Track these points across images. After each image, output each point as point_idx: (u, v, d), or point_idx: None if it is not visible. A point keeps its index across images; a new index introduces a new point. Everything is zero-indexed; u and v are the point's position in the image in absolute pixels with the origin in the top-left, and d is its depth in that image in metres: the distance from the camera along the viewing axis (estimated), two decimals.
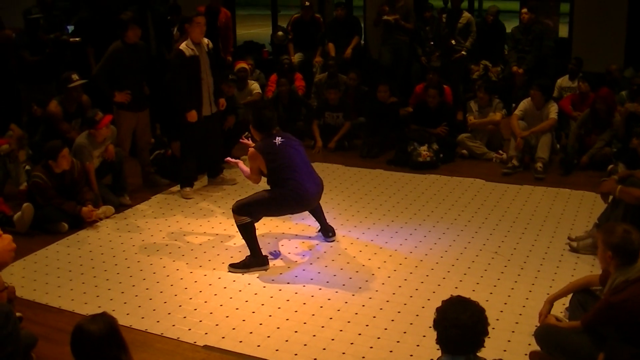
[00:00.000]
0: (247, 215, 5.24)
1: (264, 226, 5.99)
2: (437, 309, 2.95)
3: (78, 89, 7.09)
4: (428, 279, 5.08)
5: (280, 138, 5.39)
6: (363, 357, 4.10)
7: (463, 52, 9.75)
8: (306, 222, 6.13)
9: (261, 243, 5.45)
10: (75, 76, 7.04)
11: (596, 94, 7.70)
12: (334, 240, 5.78)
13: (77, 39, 8.83)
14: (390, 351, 4.15)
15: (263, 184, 5.49)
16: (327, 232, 5.82)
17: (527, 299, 4.73)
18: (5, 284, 3.57)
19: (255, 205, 5.27)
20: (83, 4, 8.94)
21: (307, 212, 5.76)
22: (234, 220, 6.09)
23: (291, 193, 5.23)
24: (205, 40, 6.84)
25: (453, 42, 9.80)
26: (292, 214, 5.68)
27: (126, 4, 9.01)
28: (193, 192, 7.04)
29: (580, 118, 7.80)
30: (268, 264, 5.32)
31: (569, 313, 4.16)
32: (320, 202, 5.73)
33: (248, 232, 5.28)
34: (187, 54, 6.61)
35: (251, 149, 5.41)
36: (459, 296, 3.01)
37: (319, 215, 5.81)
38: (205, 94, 6.80)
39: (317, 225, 5.91)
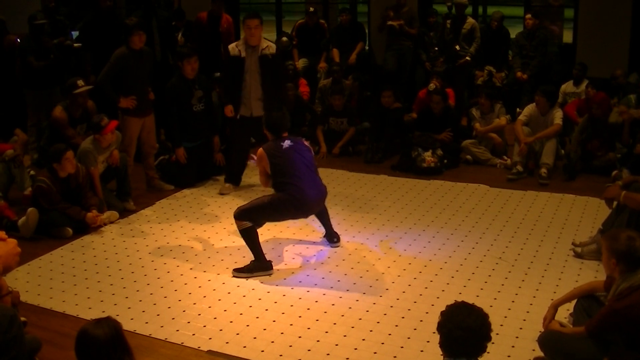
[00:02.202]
0: (247, 220, 5.23)
1: (268, 231, 6.00)
2: (442, 313, 2.98)
3: (84, 95, 7.11)
4: (432, 284, 5.08)
5: (289, 142, 5.41)
6: None
7: (467, 58, 9.76)
8: (310, 228, 6.13)
9: (265, 248, 5.47)
10: (80, 82, 7.06)
11: (592, 100, 7.72)
12: (338, 246, 5.79)
13: (79, 44, 8.87)
14: (394, 357, 4.14)
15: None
16: (332, 238, 5.82)
17: (531, 304, 4.72)
18: (10, 288, 3.58)
19: (255, 210, 5.27)
20: (89, 9, 8.96)
21: (312, 217, 5.76)
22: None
23: (290, 197, 5.22)
24: (265, 43, 6.87)
25: (457, 47, 9.81)
26: (293, 219, 5.65)
27: (130, 10, 9.05)
28: (228, 189, 7.17)
29: (580, 124, 7.80)
30: (272, 268, 5.32)
31: (573, 319, 4.15)
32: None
33: (250, 237, 5.28)
34: (232, 53, 6.79)
35: (259, 150, 5.44)
36: (463, 301, 3.04)
37: (325, 220, 5.81)
38: (246, 95, 6.86)
39: (321, 230, 5.91)
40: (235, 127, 7.08)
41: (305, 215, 5.53)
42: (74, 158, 6.15)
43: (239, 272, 5.27)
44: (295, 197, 5.22)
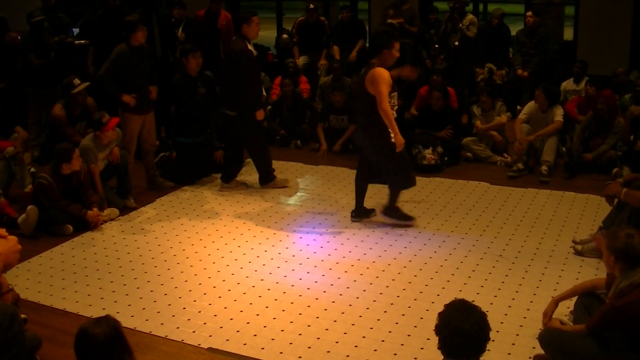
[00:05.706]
0: None
1: (269, 229, 6.03)
2: (440, 315, 2.93)
3: (82, 93, 7.10)
4: (432, 281, 5.08)
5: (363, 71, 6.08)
6: None
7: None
8: (311, 225, 6.14)
9: (265, 246, 5.56)
10: (76, 80, 7.03)
11: (598, 94, 7.70)
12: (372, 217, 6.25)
13: (82, 41, 8.86)
14: (395, 354, 4.15)
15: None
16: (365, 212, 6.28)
17: (531, 302, 4.72)
18: (10, 286, 3.59)
19: None
20: (99, 5, 8.92)
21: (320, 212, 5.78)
22: (237, 223, 6.11)
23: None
24: None
25: (456, 43, 9.79)
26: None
27: (132, 7, 9.02)
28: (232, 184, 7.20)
29: (583, 121, 7.78)
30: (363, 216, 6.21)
31: (574, 316, 4.15)
32: (324, 204, 5.79)
33: None
34: (255, 54, 6.86)
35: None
36: (461, 300, 2.99)
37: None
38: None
39: (321, 230, 5.94)
40: (260, 128, 7.10)
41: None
42: (79, 156, 6.15)
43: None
44: None
